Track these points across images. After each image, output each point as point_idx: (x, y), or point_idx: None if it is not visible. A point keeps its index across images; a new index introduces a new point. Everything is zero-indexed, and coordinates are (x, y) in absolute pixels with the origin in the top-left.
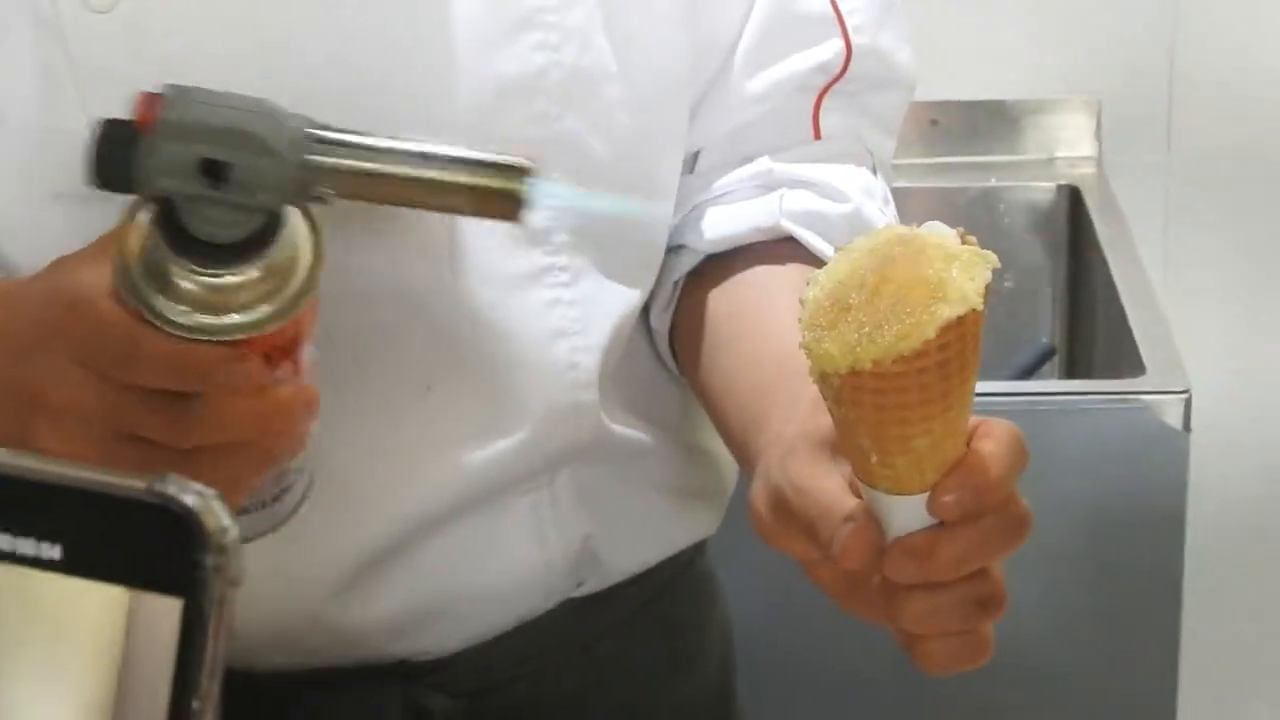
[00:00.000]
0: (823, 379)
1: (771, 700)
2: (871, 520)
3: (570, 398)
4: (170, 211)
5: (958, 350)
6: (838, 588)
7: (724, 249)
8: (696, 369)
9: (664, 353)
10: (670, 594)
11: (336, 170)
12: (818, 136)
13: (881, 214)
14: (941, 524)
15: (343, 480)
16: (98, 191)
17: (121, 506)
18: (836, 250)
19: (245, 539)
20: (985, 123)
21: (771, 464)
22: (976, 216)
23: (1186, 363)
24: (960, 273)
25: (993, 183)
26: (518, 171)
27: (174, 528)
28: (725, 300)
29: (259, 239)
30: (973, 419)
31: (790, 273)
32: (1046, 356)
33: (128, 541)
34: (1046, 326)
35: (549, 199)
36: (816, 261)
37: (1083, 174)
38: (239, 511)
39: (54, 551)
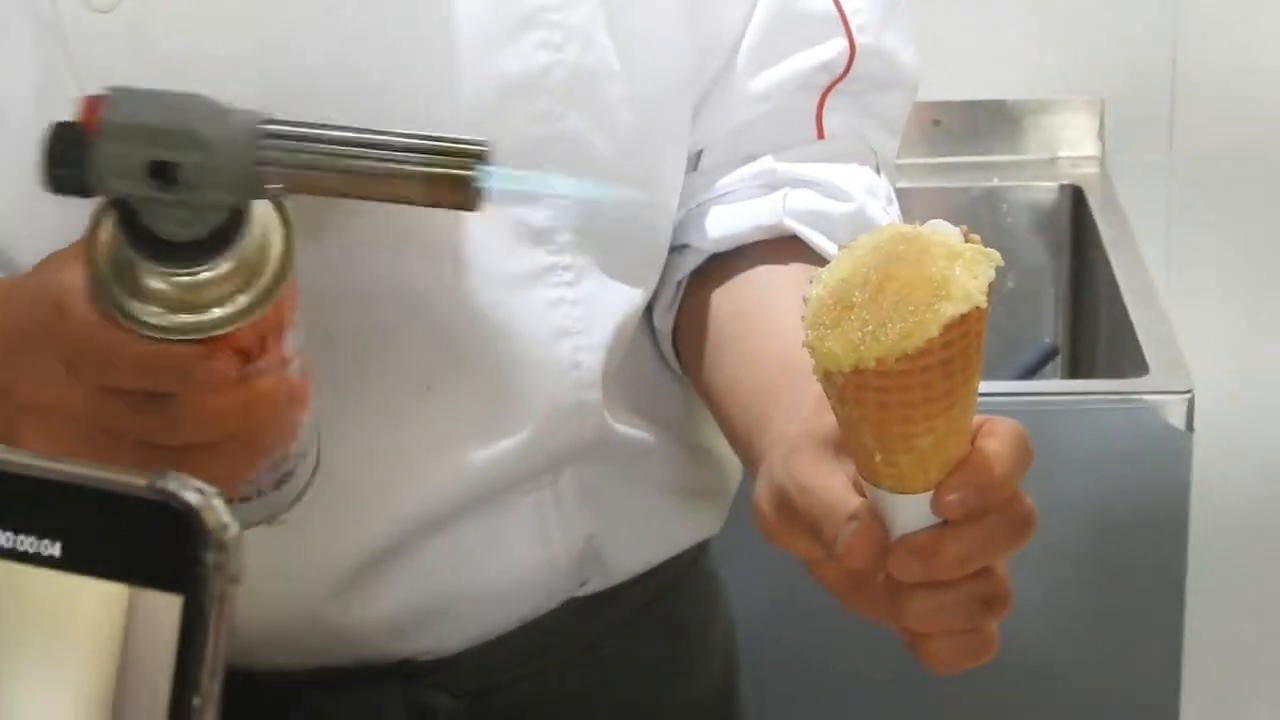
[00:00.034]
0: (826, 377)
1: (775, 699)
2: (875, 519)
3: (573, 397)
4: (131, 213)
5: (961, 348)
6: (841, 587)
7: (727, 248)
8: (700, 368)
9: (667, 352)
10: (673, 594)
11: (284, 164)
12: (821, 136)
13: (885, 213)
14: (945, 522)
15: (345, 479)
16: None
17: (122, 503)
18: (840, 249)
19: (249, 525)
20: (987, 123)
21: (775, 463)
22: (979, 216)
23: (1189, 363)
24: (964, 271)
25: (995, 183)
26: (470, 156)
27: (174, 524)
28: (728, 299)
29: (223, 235)
30: (977, 418)
31: (793, 272)
32: (1049, 357)
33: (128, 538)
34: (1049, 326)
35: (504, 184)
36: (820, 261)
37: (1085, 174)
38: (240, 500)
39: (54, 548)
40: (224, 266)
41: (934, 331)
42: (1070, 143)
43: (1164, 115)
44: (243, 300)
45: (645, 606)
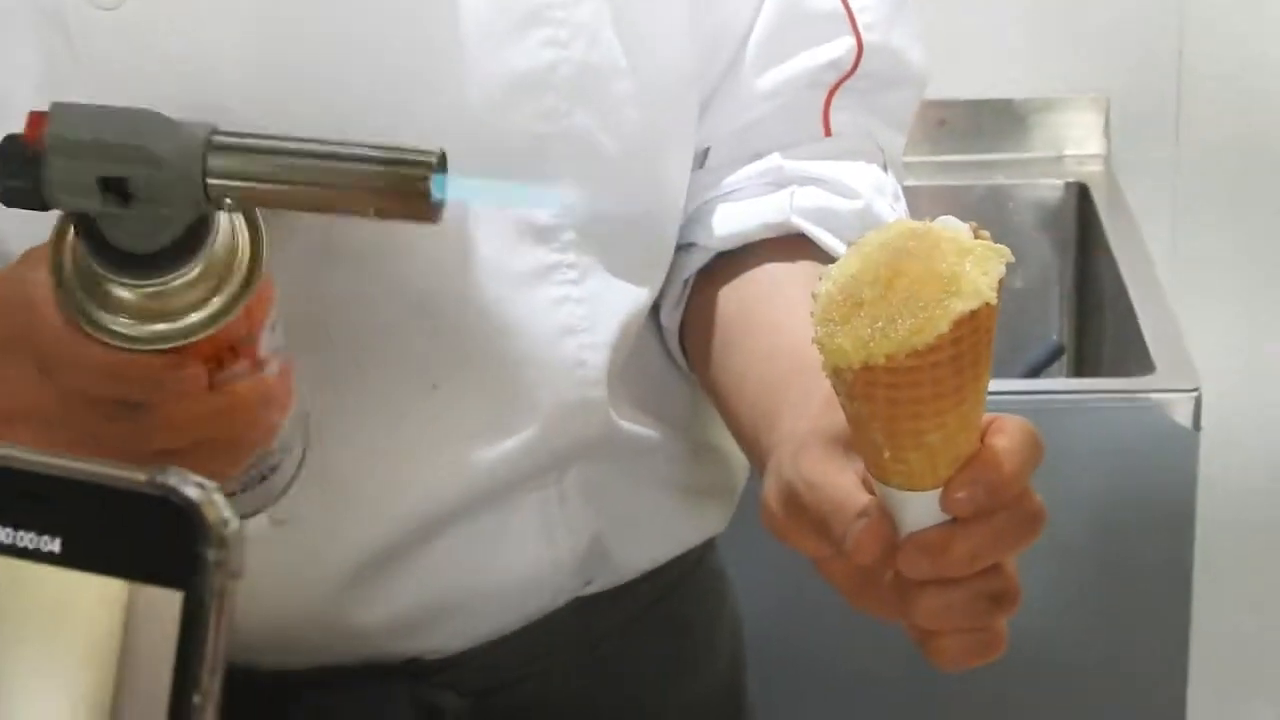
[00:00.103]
0: (835, 374)
1: (782, 697)
2: (884, 516)
3: (578, 395)
4: (91, 225)
5: (971, 344)
6: (850, 584)
7: (734, 246)
8: (707, 366)
9: (674, 350)
10: (680, 592)
11: (234, 176)
12: (828, 133)
13: (892, 210)
14: (955, 520)
15: (350, 478)
16: None
17: (122, 499)
18: (849, 245)
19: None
20: (993, 121)
21: (784, 460)
22: (985, 215)
23: (1195, 361)
24: (973, 267)
25: (1000, 181)
26: (423, 166)
27: (175, 520)
28: (735, 297)
29: (187, 244)
30: (986, 415)
31: (801, 269)
32: (1055, 355)
33: (128, 534)
34: (1055, 325)
35: (458, 193)
36: (827, 258)
37: (1091, 172)
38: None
39: (54, 544)
40: (189, 275)
41: (944, 328)
42: (1076, 141)
43: (1169, 113)
44: (211, 307)
45: (651, 605)
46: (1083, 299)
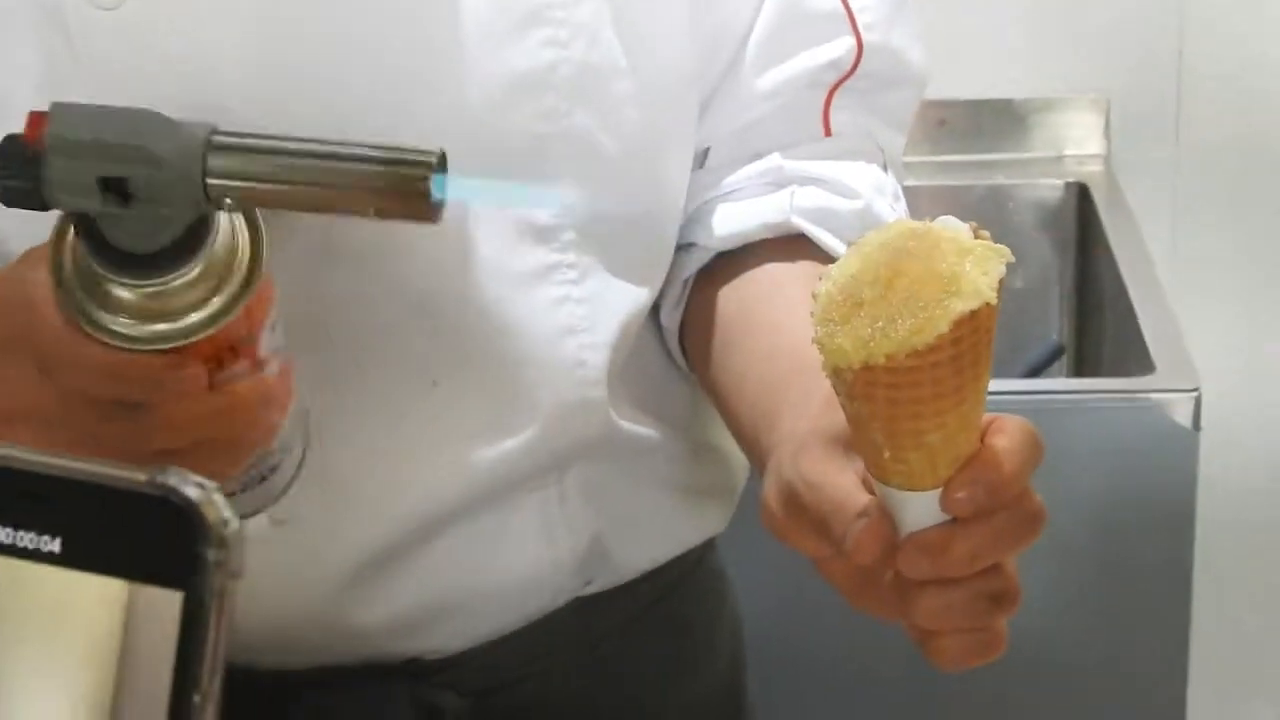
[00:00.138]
0: (835, 374)
1: (782, 697)
2: (884, 516)
3: (578, 395)
4: (91, 225)
5: (971, 344)
6: (850, 584)
7: (734, 246)
8: (707, 366)
9: (674, 350)
10: (680, 592)
11: (235, 176)
12: (828, 133)
13: (892, 210)
14: (955, 520)
15: (349, 478)
16: None
17: (122, 499)
18: (849, 245)
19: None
20: (992, 121)
21: (784, 460)
22: (984, 215)
23: (1195, 361)
24: (974, 267)
25: (1000, 181)
26: (423, 166)
27: (175, 520)
28: (735, 297)
29: (187, 244)
30: (986, 415)
31: (801, 269)
32: (1055, 355)
33: (128, 534)
34: (1055, 324)
35: (458, 194)
36: (827, 258)
37: (1090, 172)
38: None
39: (54, 544)
40: (189, 275)
41: (944, 328)
42: (1076, 141)
43: (1169, 113)
44: (211, 307)
45: (651, 605)
46: (1083, 299)
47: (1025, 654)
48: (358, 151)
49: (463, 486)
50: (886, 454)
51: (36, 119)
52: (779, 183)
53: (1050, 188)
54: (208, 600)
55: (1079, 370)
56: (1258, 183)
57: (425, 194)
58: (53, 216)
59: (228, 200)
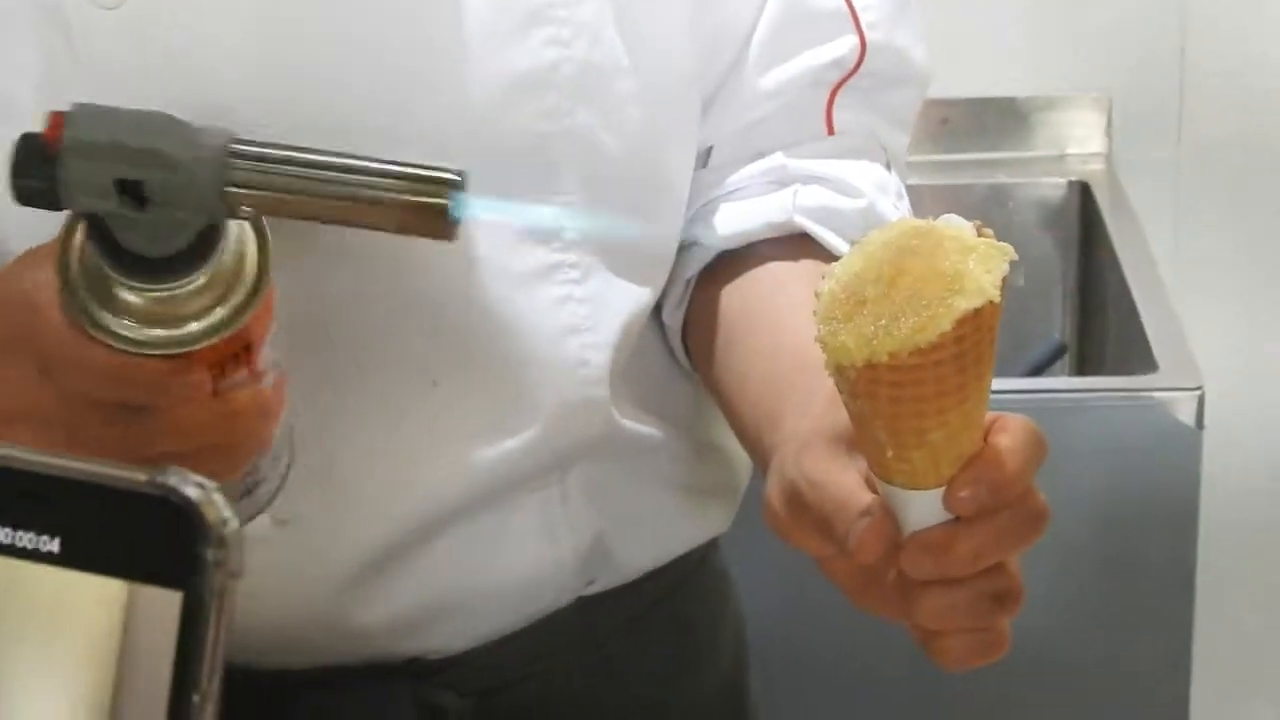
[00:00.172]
0: (838, 372)
1: (785, 697)
2: (887, 515)
3: (581, 394)
4: (103, 227)
5: (974, 343)
6: (853, 584)
7: (737, 245)
8: (710, 365)
9: (677, 349)
10: (683, 591)
11: (253, 186)
12: (831, 132)
13: (895, 209)
14: (958, 519)
15: (351, 478)
16: None
17: (121, 499)
18: (852, 244)
19: None
20: (995, 120)
21: (786, 459)
22: (986, 213)
23: (1198, 359)
24: (977, 265)
25: (1002, 180)
26: (445, 184)
27: (174, 520)
28: (738, 296)
29: (198, 250)
30: (989, 414)
31: (803, 268)
32: (1058, 354)
33: (127, 534)
34: (1058, 323)
35: (478, 212)
36: (830, 257)
37: (1093, 170)
38: None
39: (53, 544)
40: (198, 281)
41: (947, 326)
42: (1078, 139)
43: (1172, 111)
44: (218, 315)
45: (654, 605)
46: (1085, 298)
47: (1028, 653)
48: (377, 166)
49: (464, 486)
50: (889, 452)
51: (56, 119)
52: (782, 181)
53: (1052, 186)
54: (207, 600)
55: (1081, 369)
56: (1260, 181)
57: (446, 213)
58: (55, 219)
59: (244, 208)
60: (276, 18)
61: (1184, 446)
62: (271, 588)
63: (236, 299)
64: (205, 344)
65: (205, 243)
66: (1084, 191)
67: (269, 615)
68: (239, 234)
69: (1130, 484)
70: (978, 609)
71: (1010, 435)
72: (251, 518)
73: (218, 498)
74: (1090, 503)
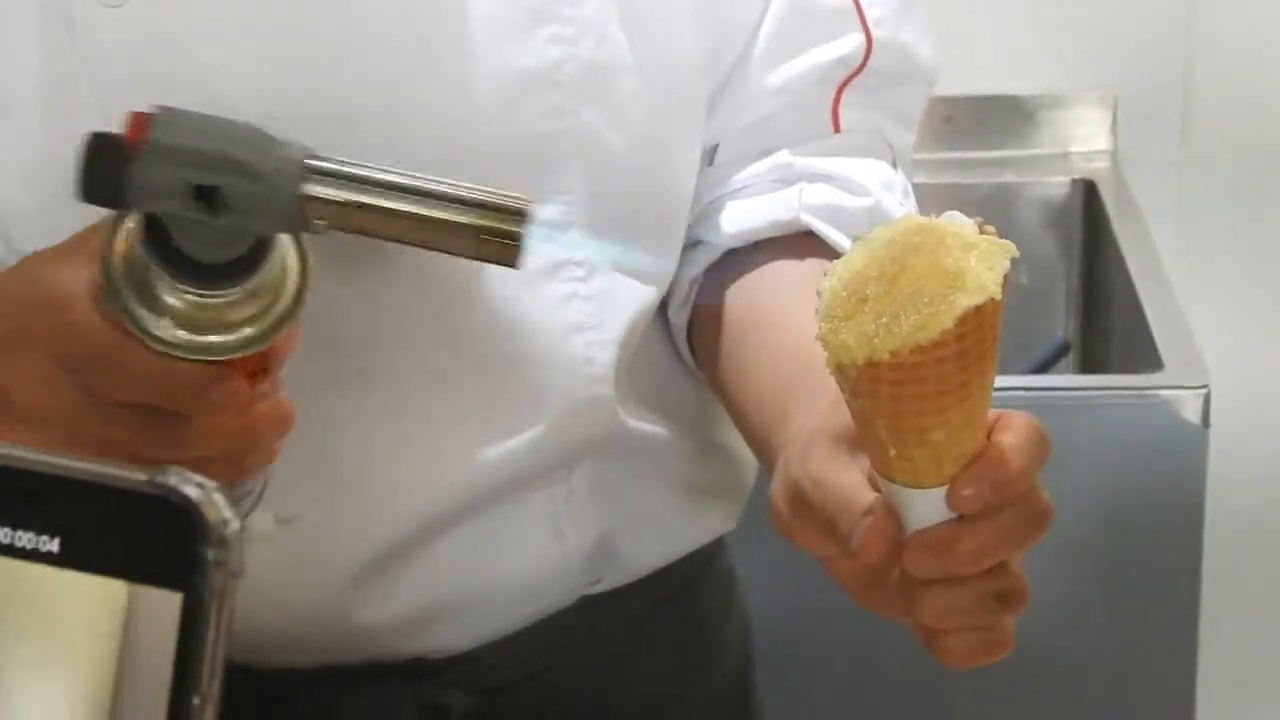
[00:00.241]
0: (839, 370)
1: (790, 695)
2: (890, 514)
3: (586, 392)
4: (159, 228)
5: (976, 340)
6: (856, 583)
7: (742, 243)
8: (715, 364)
9: (682, 348)
10: (688, 591)
11: (330, 202)
12: (837, 130)
13: (901, 207)
14: (960, 517)
15: (354, 476)
16: None
17: (121, 498)
18: (854, 240)
19: None
20: (999, 118)
21: (791, 458)
22: (991, 211)
23: (1204, 357)
24: (979, 262)
25: (1007, 178)
26: (517, 214)
27: (174, 520)
28: (744, 294)
29: (248, 261)
30: (992, 412)
31: (809, 266)
32: (1062, 352)
33: (127, 534)
34: (1061, 322)
35: (544, 243)
36: (835, 255)
37: (1097, 168)
38: None
39: (53, 544)
40: (242, 292)
41: (948, 323)
42: (1083, 137)
43: (1177, 109)
44: (260, 325)
45: (660, 604)
46: (1089, 296)
47: (1033, 652)
48: (451, 191)
49: (469, 484)
50: (891, 451)
51: (138, 120)
52: (788, 180)
53: (1057, 185)
54: (208, 600)
55: (1086, 367)
56: (1265, 179)
57: (519, 242)
58: (59, 214)
59: (316, 222)
60: (280, 15)
61: (1189, 445)
62: (274, 587)
63: (279, 310)
64: (246, 353)
65: (257, 252)
66: (1089, 190)
67: (271, 614)
68: (282, 245)
69: (1135, 483)
70: (981, 608)
71: (1013, 433)
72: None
73: (218, 497)
74: (1095, 501)
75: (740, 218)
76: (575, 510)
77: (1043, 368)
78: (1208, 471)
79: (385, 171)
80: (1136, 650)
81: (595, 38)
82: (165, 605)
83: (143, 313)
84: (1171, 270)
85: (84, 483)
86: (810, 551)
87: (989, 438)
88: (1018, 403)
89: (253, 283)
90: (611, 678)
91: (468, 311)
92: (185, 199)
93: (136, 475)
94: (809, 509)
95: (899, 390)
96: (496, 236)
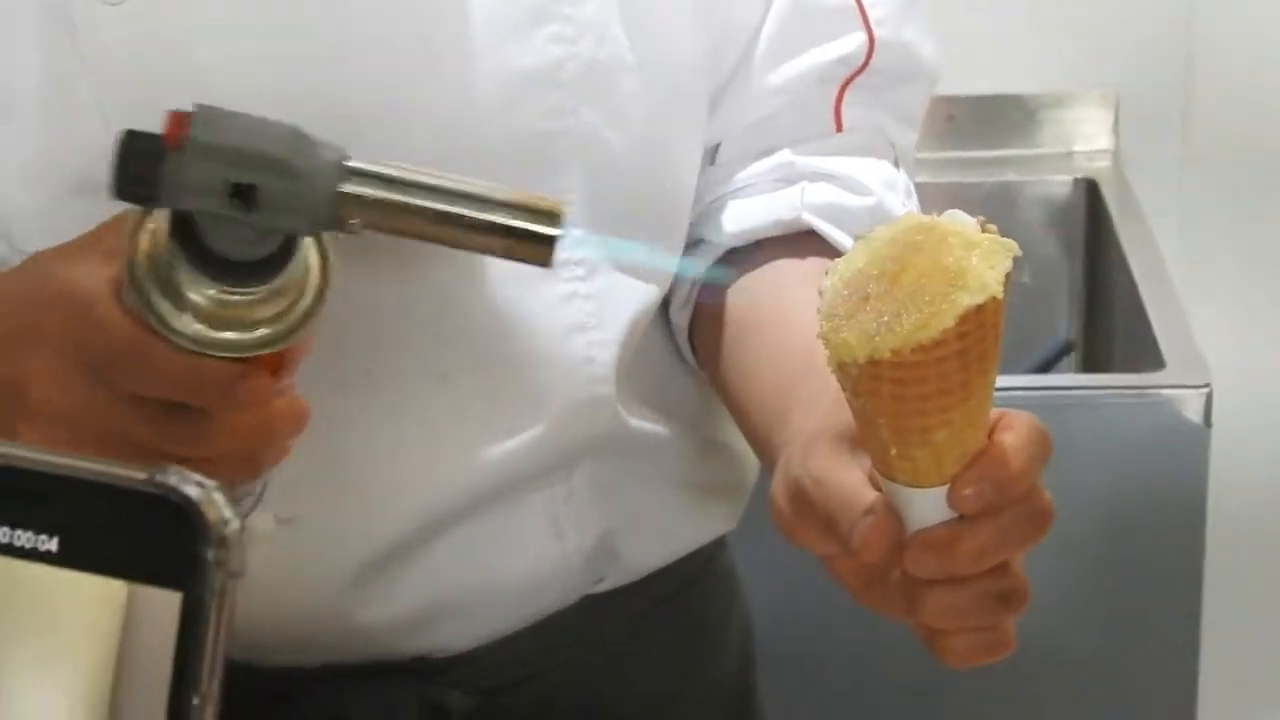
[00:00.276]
0: (841, 369)
1: (791, 695)
2: (891, 513)
3: (587, 392)
4: (188, 224)
5: (977, 339)
6: (857, 582)
7: (744, 243)
8: (716, 363)
9: (683, 347)
10: (690, 590)
11: (367, 202)
12: (839, 129)
13: (904, 207)
14: (962, 517)
15: (356, 475)
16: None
17: (121, 498)
18: (856, 239)
19: None
20: (1001, 117)
21: (792, 457)
22: (993, 211)
23: (1206, 356)
24: (980, 260)
25: (1009, 177)
26: (552, 216)
27: (174, 519)
28: (745, 294)
29: (275, 259)
30: (993, 412)
31: (811, 266)
32: (1064, 351)
33: (127, 533)
34: (1064, 321)
35: (576, 244)
36: (837, 255)
37: (1100, 168)
38: None
39: (51, 543)
40: (271, 288)
41: (950, 322)
42: (1085, 137)
43: (1179, 108)
44: (285, 323)
45: (661, 603)
46: (1092, 295)
47: (1034, 652)
48: (485, 192)
49: (470, 484)
50: (892, 450)
51: (177, 118)
52: (789, 179)
53: (1059, 184)
54: (207, 600)
55: (1088, 367)
56: (1267, 178)
57: (553, 243)
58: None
59: (351, 222)
60: (280, 14)
61: (1191, 444)
62: (275, 586)
63: (302, 308)
64: (270, 350)
65: (284, 251)
66: (1091, 189)
67: (272, 614)
68: (305, 244)
69: (1137, 482)
70: (982, 608)
71: (1015, 433)
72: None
73: (218, 497)
74: (1097, 501)
75: (742, 217)
76: (576, 510)
77: (1044, 367)
78: (1209, 471)
79: (420, 173)
80: (1138, 650)
81: (596, 37)
82: (165, 605)
83: (167, 308)
84: (1173, 269)
85: (84, 482)
86: (811, 551)
87: (990, 437)
88: (1019, 402)
89: (278, 281)
90: (612, 677)
91: (468, 311)
92: (221, 197)
93: (136, 475)
94: (810, 508)
95: (900, 389)
96: (530, 237)
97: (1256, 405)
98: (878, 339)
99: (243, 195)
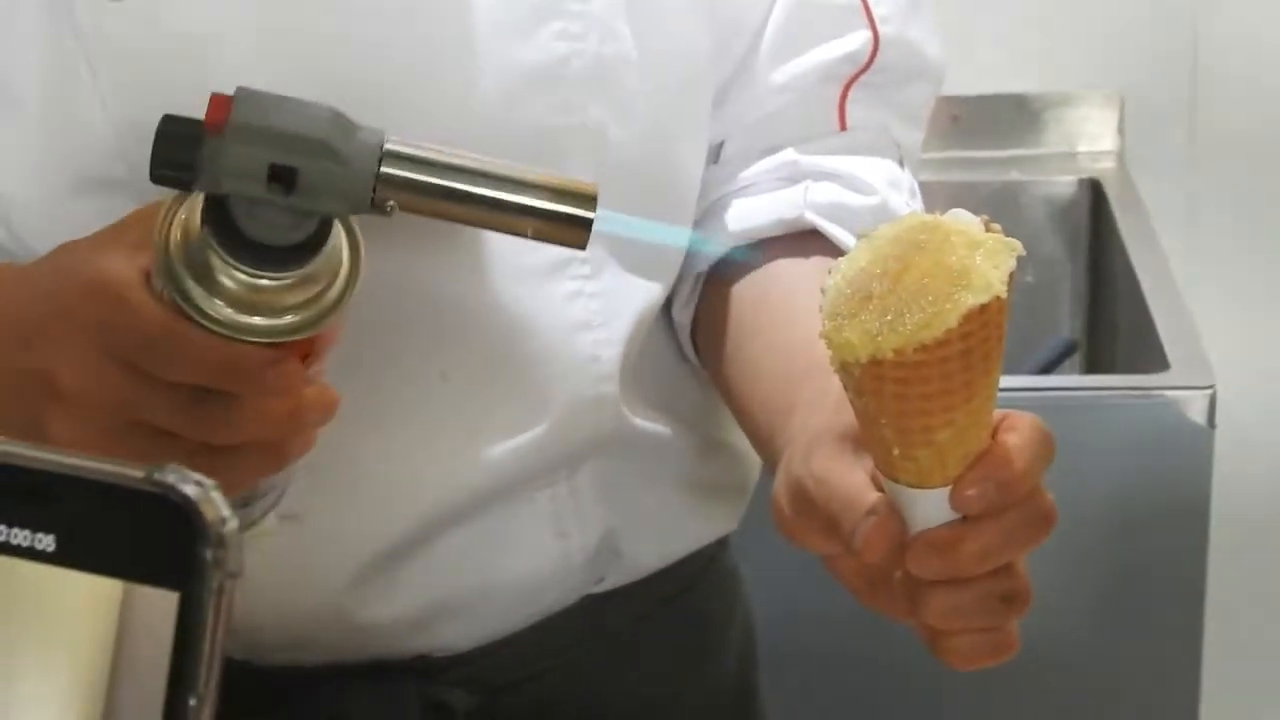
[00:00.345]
0: (843, 368)
1: (793, 695)
2: (893, 514)
3: (592, 390)
4: (223, 209)
5: (981, 339)
6: (859, 583)
7: (747, 241)
8: (719, 362)
9: (686, 346)
10: (692, 590)
11: (406, 184)
12: (843, 128)
13: (908, 206)
14: (964, 518)
15: (359, 474)
16: (121, 179)
17: (118, 496)
18: (859, 238)
19: None
20: (1006, 117)
21: (794, 457)
22: (998, 210)
23: (1210, 357)
24: (984, 260)
25: (1014, 177)
26: (587, 198)
27: (172, 518)
28: (749, 293)
29: (309, 245)
30: (997, 412)
31: (814, 265)
32: (1068, 352)
33: (124, 532)
34: (1068, 321)
35: (609, 226)
36: (841, 254)
37: (1104, 168)
38: None
39: (48, 542)
40: (303, 273)
41: (953, 322)
42: (1089, 137)
43: (1184, 109)
44: (316, 308)
45: (663, 603)
46: (1096, 295)
47: (1037, 653)
48: (520, 175)
49: (473, 482)
50: (895, 451)
51: (220, 101)
52: (793, 178)
53: (1064, 184)
54: (205, 600)
55: (1092, 367)
56: (1272, 178)
57: (587, 225)
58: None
59: (389, 204)
60: (283, 7)
61: (1195, 445)
62: (277, 585)
63: (333, 294)
64: (302, 335)
65: (318, 237)
66: (1095, 189)
67: (274, 612)
68: (337, 231)
69: (1141, 483)
70: (985, 609)
71: (1018, 433)
72: (247, 528)
73: (216, 496)
74: (1100, 502)
75: (745, 216)
76: (578, 509)
77: (1048, 367)
78: (1213, 471)
79: (457, 155)
80: (1141, 650)
81: (602, 33)
82: (162, 604)
83: (200, 293)
84: (1178, 270)
85: (81, 480)
86: (813, 551)
87: (994, 438)
88: (1023, 402)
89: (310, 266)
90: (614, 677)
91: (473, 309)
92: (260, 180)
93: (134, 473)
94: (812, 508)
95: (903, 389)
96: (565, 219)
97: (1260, 407)
98: (880, 338)
99: (281, 178)
